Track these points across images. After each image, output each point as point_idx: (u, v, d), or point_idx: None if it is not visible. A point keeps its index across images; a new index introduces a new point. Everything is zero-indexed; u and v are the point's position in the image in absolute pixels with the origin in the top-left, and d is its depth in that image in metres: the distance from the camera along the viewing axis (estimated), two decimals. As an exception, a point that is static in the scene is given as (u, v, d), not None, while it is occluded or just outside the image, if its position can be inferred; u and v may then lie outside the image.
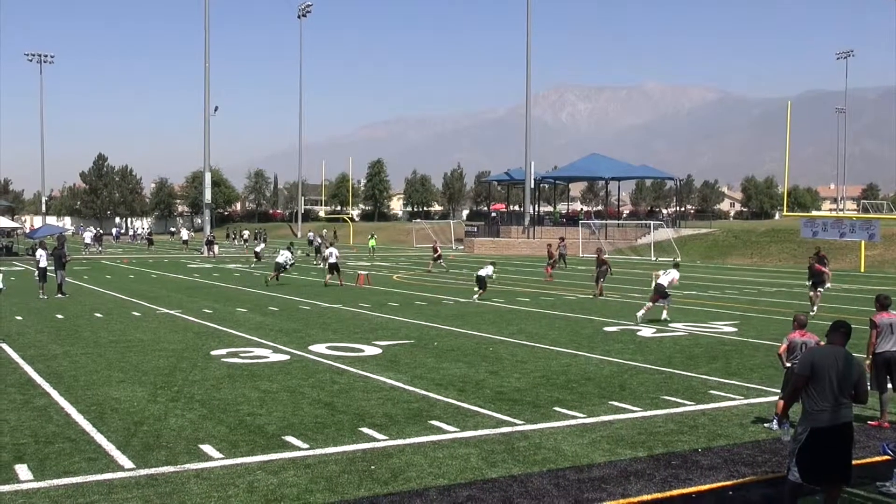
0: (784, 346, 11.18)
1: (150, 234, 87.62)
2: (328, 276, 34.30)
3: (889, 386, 11.48)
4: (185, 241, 76.71)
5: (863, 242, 47.23)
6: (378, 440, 10.24)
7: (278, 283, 34.31)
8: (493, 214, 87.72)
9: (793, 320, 11.35)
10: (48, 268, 29.71)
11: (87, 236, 71.01)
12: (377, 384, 13.65)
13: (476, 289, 28.82)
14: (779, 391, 11.78)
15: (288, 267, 35.37)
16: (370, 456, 9.58)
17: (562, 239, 51.83)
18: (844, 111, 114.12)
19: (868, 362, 11.53)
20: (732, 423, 11.33)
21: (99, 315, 23.54)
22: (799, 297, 30.28)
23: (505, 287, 34.33)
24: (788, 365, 10.98)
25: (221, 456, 9.53)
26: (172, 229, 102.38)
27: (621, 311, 25.13)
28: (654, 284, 23.33)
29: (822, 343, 10.73)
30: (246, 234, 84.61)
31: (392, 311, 24.78)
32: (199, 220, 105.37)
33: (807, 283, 27.18)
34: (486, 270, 28.99)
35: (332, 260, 34.62)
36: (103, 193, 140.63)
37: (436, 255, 46.23)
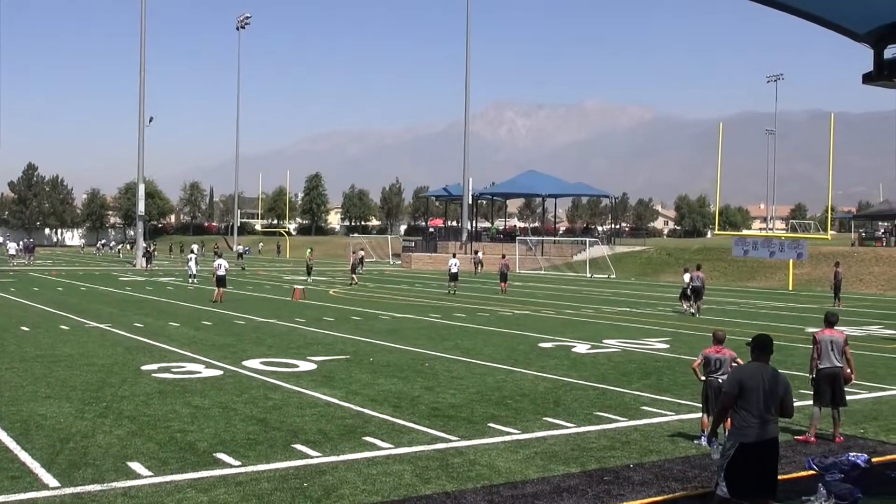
0: (698, 360, 11.44)
1: (149, 248, 69.12)
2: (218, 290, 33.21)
3: (829, 402, 11.74)
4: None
5: (791, 261, 48.38)
6: (311, 457, 10.15)
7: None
8: (431, 230, 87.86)
9: (712, 335, 11.59)
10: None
11: (12, 247, 69.13)
12: (311, 400, 13.53)
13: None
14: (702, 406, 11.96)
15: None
16: (303, 473, 9.48)
17: (503, 256, 52.00)
18: (774, 133, 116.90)
19: (811, 378, 11.84)
20: (664, 439, 11.48)
21: (25, 328, 22.94)
22: (730, 315, 30.89)
23: (443, 303, 34.39)
24: (703, 379, 11.23)
25: (150, 474, 9.34)
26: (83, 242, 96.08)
27: (556, 328, 25.35)
28: None
29: (738, 359, 11.00)
30: (195, 247, 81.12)
31: (328, 326, 24.62)
32: (132, 233, 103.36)
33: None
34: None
35: (221, 272, 33.64)
36: (32, 204, 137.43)
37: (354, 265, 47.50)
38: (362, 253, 66.97)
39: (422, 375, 16.15)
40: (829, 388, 11.73)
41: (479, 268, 60.76)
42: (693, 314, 30.55)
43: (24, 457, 9.94)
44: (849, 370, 11.93)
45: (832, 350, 11.80)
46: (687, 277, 32.05)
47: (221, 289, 33.23)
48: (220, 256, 35.80)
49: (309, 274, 49.73)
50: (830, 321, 12.11)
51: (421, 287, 45.21)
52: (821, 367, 11.81)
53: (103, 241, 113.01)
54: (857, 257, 54.09)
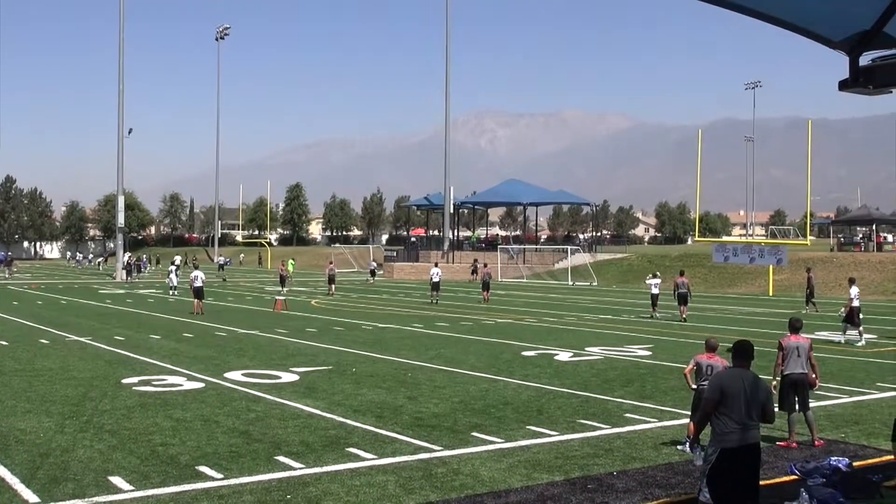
0: (690, 366, 11.39)
1: (136, 260, 69.37)
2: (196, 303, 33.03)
3: (796, 407, 11.83)
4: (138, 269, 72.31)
5: (771, 267, 48.63)
6: (294, 469, 10.10)
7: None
8: (413, 239, 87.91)
9: (705, 343, 11.58)
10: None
11: None
12: (294, 411, 13.47)
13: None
14: (689, 413, 12.01)
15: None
16: (286, 485, 9.44)
17: (485, 265, 52.11)
18: (753, 139, 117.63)
19: (774, 384, 11.87)
20: (647, 446, 11.51)
21: (4, 343, 22.74)
22: (711, 321, 31.03)
23: (425, 312, 34.37)
24: (695, 387, 11.16)
25: (132, 488, 9.27)
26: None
27: (539, 336, 25.37)
28: None
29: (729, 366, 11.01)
30: (178, 259, 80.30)
31: (310, 337, 24.55)
32: (112, 245, 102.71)
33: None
34: None
35: (198, 284, 33.69)
36: (11, 217, 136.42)
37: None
38: (374, 264, 67.14)
39: (405, 385, 16.13)
40: (794, 393, 11.82)
41: (477, 274, 61.54)
42: (653, 317, 32.06)
43: (4, 472, 9.84)
44: (814, 376, 12.03)
45: (798, 356, 11.88)
46: (651, 283, 33.17)
47: (199, 301, 33.11)
48: (196, 268, 35.80)
49: (282, 285, 48.66)
50: (795, 327, 12.19)
51: (403, 297, 45.15)
52: (786, 373, 11.89)
53: (81, 255, 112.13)
54: (836, 262, 54.45)
